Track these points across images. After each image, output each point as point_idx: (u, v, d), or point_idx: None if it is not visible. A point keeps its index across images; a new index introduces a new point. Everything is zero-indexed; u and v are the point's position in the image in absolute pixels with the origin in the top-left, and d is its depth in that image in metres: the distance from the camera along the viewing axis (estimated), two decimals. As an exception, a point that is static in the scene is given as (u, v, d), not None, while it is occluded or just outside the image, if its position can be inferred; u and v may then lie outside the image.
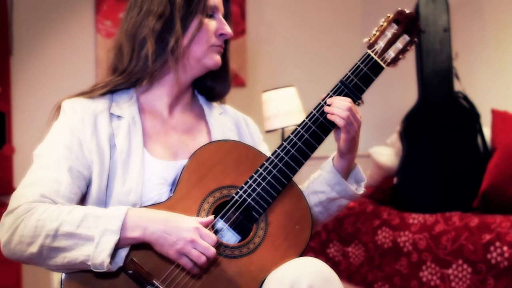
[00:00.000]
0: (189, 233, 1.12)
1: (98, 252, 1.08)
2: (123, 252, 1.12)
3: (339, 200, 1.34)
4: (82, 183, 1.20)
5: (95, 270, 1.09)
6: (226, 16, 1.36)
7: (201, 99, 1.42)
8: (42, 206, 1.12)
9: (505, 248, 2.30)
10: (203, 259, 1.13)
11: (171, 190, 1.25)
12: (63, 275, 1.14)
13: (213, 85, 1.40)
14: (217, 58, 1.32)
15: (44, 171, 1.17)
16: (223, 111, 1.43)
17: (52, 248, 1.10)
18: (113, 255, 1.10)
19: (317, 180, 1.35)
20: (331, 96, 1.27)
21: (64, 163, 1.18)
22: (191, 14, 1.27)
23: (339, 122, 1.24)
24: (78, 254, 1.09)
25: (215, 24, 1.31)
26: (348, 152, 1.29)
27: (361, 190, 1.36)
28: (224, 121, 1.40)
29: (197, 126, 1.37)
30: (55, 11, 3.27)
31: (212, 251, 1.13)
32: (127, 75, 1.28)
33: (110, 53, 1.33)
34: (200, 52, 1.29)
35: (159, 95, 1.33)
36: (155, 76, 1.29)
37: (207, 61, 1.31)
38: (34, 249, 1.10)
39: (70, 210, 1.12)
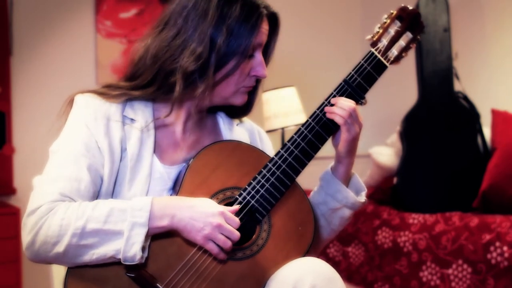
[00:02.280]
0: (215, 218, 1.13)
1: (129, 246, 1.08)
2: (147, 243, 1.12)
3: (341, 210, 1.30)
4: (99, 182, 1.19)
5: (125, 263, 1.09)
6: (268, 48, 1.29)
7: (219, 112, 1.38)
8: (64, 205, 1.11)
9: (505, 248, 2.30)
10: (228, 244, 1.13)
11: (170, 195, 1.24)
12: (67, 279, 1.13)
13: (233, 106, 1.34)
14: (244, 98, 1.27)
15: (63, 168, 1.16)
16: (239, 123, 1.40)
17: (79, 246, 1.09)
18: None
19: (317, 192, 1.32)
20: (334, 96, 1.25)
21: (83, 160, 1.16)
22: (229, 56, 1.19)
23: (339, 120, 1.22)
24: (107, 249, 1.09)
25: (251, 65, 1.24)
26: (347, 154, 1.27)
27: (362, 198, 1.32)
28: (239, 132, 1.37)
29: (209, 138, 1.33)
30: (55, 11, 3.27)
31: (236, 234, 1.14)
32: (145, 94, 1.23)
33: (133, 55, 1.26)
34: (228, 92, 1.25)
35: (176, 113, 1.28)
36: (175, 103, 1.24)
37: (233, 100, 1.27)
38: (60, 248, 1.09)
39: (94, 206, 1.11)
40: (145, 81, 1.23)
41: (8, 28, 3.11)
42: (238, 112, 1.37)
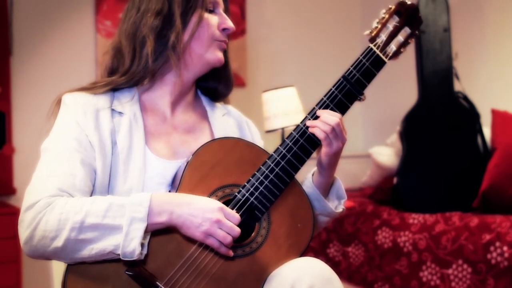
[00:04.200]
0: (214, 213, 1.13)
1: (128, 241, 1.08)
2: (146, 240, 1.12)
3: (318, 216, 1.33)
4: (93, 176, 1.19)
5: (124, 259, 1.09)
6: (226, 12, 1.35)
7: (205, 100, 1.41)
8: (63, 199, 1.11)
9: (505, 248, 2.30)
10: (228, 239, 1.13)
11: (169, 191, 1.25)
12: (66, 278, 1.13)
13: (215, 85, 1.39)
14: (220, 55, 1.31)
15: (57, 164, 1.16)
16: (226, 112, 1.43)
17: (78, 241, 1.09)
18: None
19: None
20: (333, 92, 1.26)
21: (76, 155, 1.17)
22: (190, 9, 1.26)
23: (320, 134, 1.23)
24: (106, 244, 1.09)
25: (217, 19, 1.30)
26: (328, 167, 1.28)
27: (340, 208, 1.34)
28: (227, 122, 1.40)
29: (199, 126, 1.36)
30: (55, 11, 3.27)
31: (237, 230, 1.14)
32: (130, 76, 1.27)
33: (107, 55, 1.32)
34: (202, 48, 1.28)
35: (161, 94, 1.32)
36: (157, 75, 1.28)
37: (209, 57, 1.30)
38: (59, 243, 1.08)
39: (92, 201, 1.11)
40: (127, 65, 1.27)
41: (8, 28, 3.11)
42: (221, 91, 1.40)
